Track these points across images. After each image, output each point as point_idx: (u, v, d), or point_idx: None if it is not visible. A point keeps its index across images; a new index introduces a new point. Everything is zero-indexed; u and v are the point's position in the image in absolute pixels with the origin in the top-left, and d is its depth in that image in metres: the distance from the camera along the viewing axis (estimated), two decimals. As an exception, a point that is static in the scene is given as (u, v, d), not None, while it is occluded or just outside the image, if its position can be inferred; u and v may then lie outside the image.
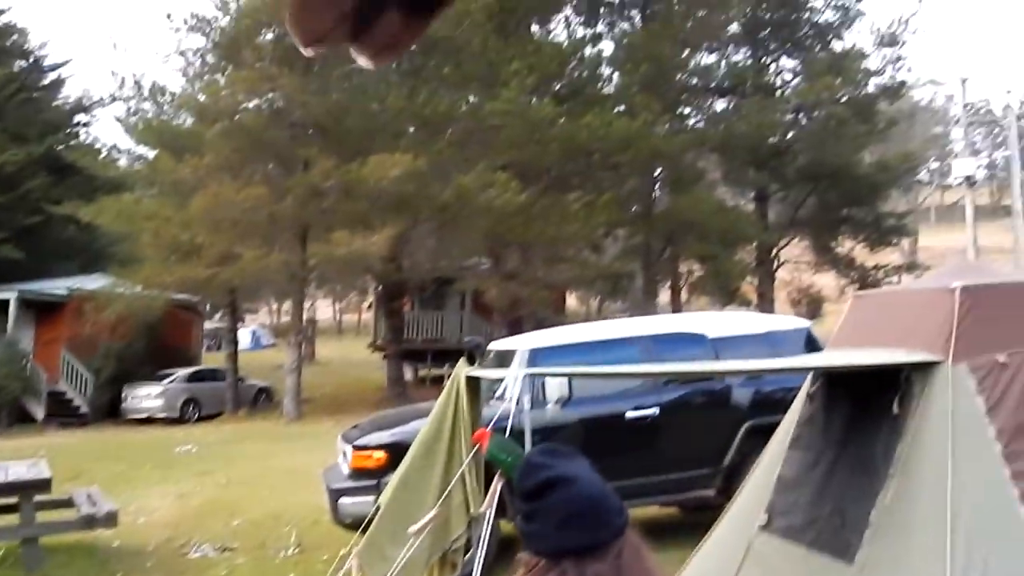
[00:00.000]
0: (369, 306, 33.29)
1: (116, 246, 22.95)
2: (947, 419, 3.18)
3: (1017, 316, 3.69)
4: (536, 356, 6.65)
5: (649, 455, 6.53)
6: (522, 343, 7.33)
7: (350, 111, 17.58)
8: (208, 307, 26.79)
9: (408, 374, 22.38)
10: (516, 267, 19.78)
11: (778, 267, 25.21)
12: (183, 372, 20.48)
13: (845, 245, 25.50)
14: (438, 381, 22.01)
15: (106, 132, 54.03)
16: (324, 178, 16.43)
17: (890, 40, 24.65)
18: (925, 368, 3.30)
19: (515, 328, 19.52)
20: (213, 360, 24.54)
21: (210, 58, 19.15)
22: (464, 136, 18.09)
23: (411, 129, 18.35)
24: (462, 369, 4.95)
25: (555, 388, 6.70)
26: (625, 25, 22.47)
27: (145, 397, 19.42)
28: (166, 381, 19.78)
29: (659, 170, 22.53)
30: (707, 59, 24.18)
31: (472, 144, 18.02)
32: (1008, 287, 3.75)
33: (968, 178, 26.15)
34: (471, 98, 19.09)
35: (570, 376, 6.58)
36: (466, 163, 17.54)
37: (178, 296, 19.88)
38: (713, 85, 24.03)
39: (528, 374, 4.83)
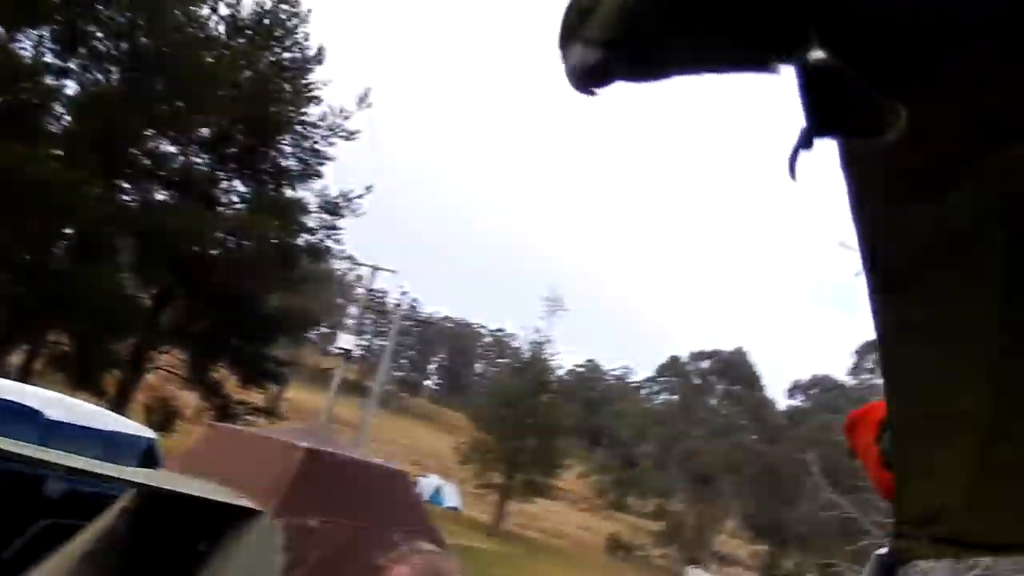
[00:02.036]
0: None
1: None
2: (249, 570, 3.59)
3: (345, 488, 4.33)
4: None
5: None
6: None
7: None
8: None
9: None
10: None
11: (149, 371, 27.16)
12: None
13: (220, 372, 28.74)
14: None
15: None
16: None
17: (332, 209, 29.99)
18: (245, 514, 3.68)
19: None
20: None
21: None
22: None
23: None
24: None
25: None
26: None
27: None
28: None
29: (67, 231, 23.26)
30: (168, 148, 26.33)
31: None
32: (347, 460, 4.48)
33: (346, 351, 32.18)
34: None
35: None
36: None
37: None
38: (162, 174, 26.13)
39: None
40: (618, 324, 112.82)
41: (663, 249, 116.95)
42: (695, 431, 55.35)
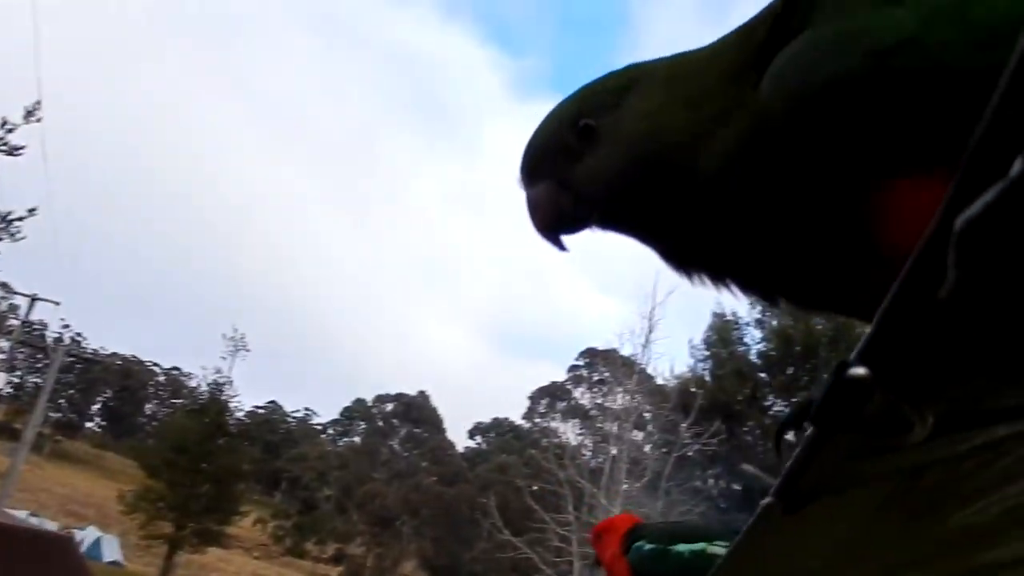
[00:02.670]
0: None
1: None
2: None
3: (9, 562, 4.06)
4: None
5: None
6: None
7: None
8: None
9: None
10: None
11: None
12: None
13: None
14: None
15: None
16: None
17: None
18: None
19: None
20: None
21: None
22: None
23: None
24: None
25: None
26: None
27: None
28: None
29: None
30: None
31: None
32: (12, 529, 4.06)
33: (-6, 391, 28.76)
34: None
35: None
36: None
37: None
38: None
39: None
40: (303, 365, 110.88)
41: (351, 290, 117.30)
42: (377, 473, 55.76)
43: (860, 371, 0.51)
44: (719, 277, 0.73)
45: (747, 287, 0.73)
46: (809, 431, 0.57)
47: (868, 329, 0.50)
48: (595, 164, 0.75)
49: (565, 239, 0.81)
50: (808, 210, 0.63)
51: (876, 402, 0.52)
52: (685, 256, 0.74)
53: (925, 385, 0.53)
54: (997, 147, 0.39)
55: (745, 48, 0.69)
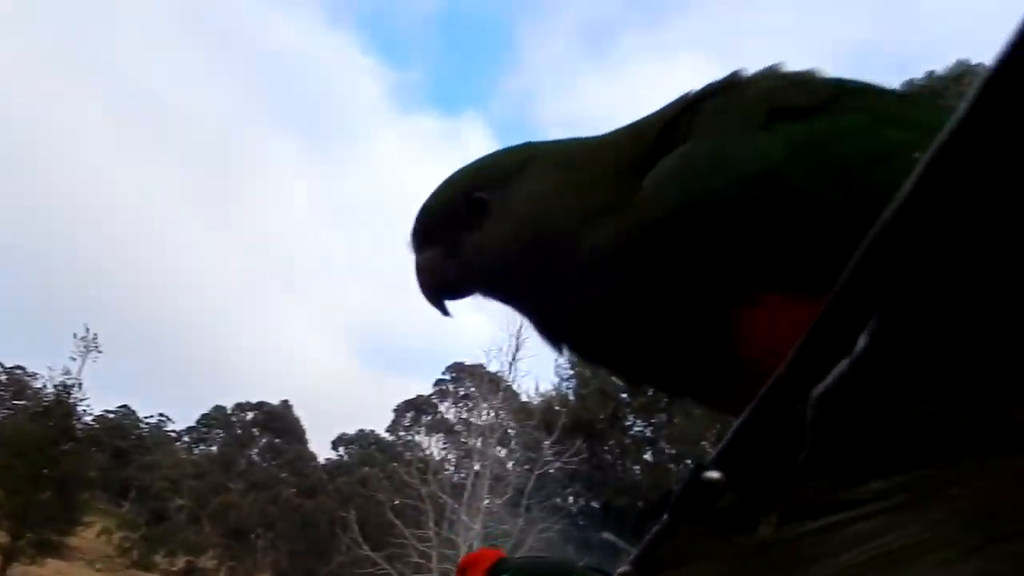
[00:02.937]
0: None
1: None
2: None
3: None
4: None
5: None
6: None
7: None
8: None
9: None
10: None
11: None
12: None
13: None
14: None
15: None
16: None
17: None
18: None
19: None
20: None
21: None
22: None
23: None
24: None
25: None
26: None
27: None
28: None
29: None
30: None
31: None
32: None
33: None
34: None
35: None
36: None
37: None
38: None
39: None
40: (160, 369, 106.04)
41: (215, 295, 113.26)
42: (234, 484, 54.03)
43: (714, 475, 0.55)
44: (587, 357, 0.76)
45: (613, 370, 0.76)
46: (665, 519, 0.62)
47: (729, 428, 0.56)
48: (482, 238, 0.76)
49: (449, 304, 0.83)
50: (674, 314, 0.67)
51: (727, 501, 0.56)
52: (557, 333, 0.77)
53: (772, 487, 0.57)
54: (844, 315, 0.39)
55: (634, 148, 0.72)
